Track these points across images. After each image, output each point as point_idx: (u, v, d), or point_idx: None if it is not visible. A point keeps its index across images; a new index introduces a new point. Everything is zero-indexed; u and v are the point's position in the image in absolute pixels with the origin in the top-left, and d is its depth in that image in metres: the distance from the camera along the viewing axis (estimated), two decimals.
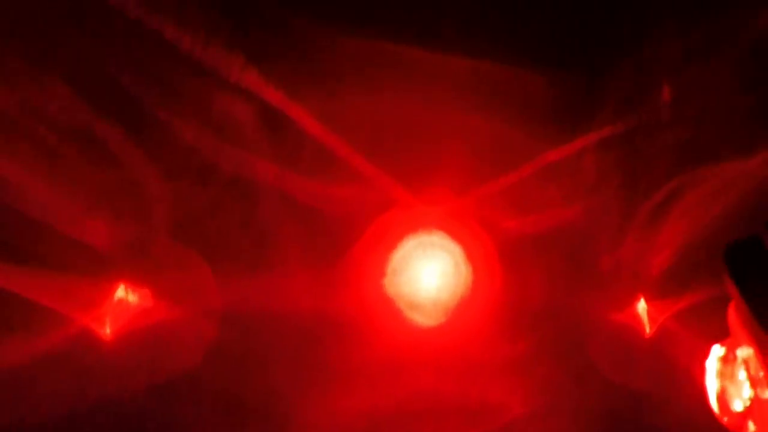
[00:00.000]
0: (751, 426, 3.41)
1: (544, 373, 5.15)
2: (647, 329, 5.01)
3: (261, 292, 4.88)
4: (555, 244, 5.29)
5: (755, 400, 3.34)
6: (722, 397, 3.54)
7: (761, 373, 3.22)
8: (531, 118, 5.08)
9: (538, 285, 5.32)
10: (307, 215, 4.95)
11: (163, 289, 4.76)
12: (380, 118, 4.95)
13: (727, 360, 3.50)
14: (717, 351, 3.56)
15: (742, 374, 3.39)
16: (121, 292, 4.67)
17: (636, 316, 5.02)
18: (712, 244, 4.74)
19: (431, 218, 5.16)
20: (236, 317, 4.85)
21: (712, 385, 3.55)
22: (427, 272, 5.18)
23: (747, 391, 3.38)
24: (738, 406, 3.46)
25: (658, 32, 4.95)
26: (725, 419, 3.52)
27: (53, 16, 4.58)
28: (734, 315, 3.25)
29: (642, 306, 5.03)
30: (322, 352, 4.95)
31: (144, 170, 4.69)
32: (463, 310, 5.21)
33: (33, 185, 4.50)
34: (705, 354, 3.77)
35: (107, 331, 4.65)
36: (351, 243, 5.05)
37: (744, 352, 3.37)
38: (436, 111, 5.02)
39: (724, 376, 3.51)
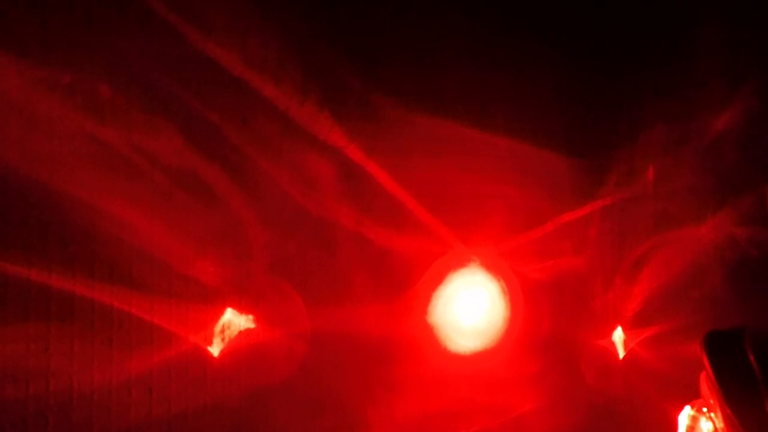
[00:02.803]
0: None
1: (550, 382, 4.19)
2: (621, 352, 4.33)
3: (340, 320, 3.58)
4: (563, 286, 4.28)
5: None
6: None
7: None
8: (553, 189, 4.25)
9: (549, 317, 4.26)
10: (379, 257, 3.64)
11: (262, 315, 3.44)
12: (440, 180, 3.68)
13: (695, 418, 2.93)
14: (688, 410, 2.97)
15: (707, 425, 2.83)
16: (227, 315, 3.34)
17: (614, 342, 4.31)
18: (672, 292, 4.37)
19: (474, 261, 3.90)
20: (320, 339, 3.53)
21: None
22: (470, 304, 3.92)
23: None
24: None
25: (646, 131, 4.38)
26: None
27: (168, 70, 3.29)
28: (706, 385, 2.67)
29: (619, 334, 4.31)
30: (387, 367, 3.64)
31: (244, 214, 3.39)
32: (494, 334, 3.96)
33: (151, 226, 3.20)
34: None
35: (215, 348, 3.32)
36: (413, 280, 3.73)
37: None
38: (483, 180, 3.79)
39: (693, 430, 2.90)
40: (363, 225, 3.45)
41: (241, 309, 3.32)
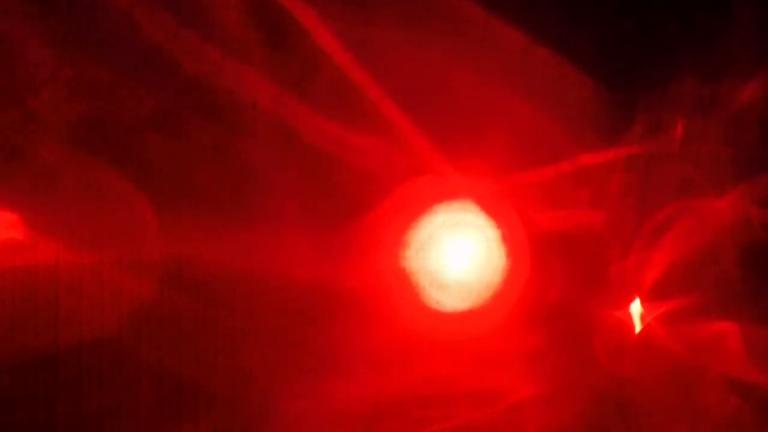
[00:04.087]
0: None
1: (552, 362, 1.69)
2: (637, 327, 2.00)
3: (247, 254, 1.02)
4: (577, 244, 1.81)
5: None
6: None
7: None
8: (573, 120, 1.68)
9: (556, 281, 1.72)
10: (314, 160, 1.08)
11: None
12: (421, 67, 1.14)
13: None
14: None
15: None
16: None
17: (630, 315, 1.96)
18: (691, 265, 1.99)
19: (466, 192, 1.21)
20: (203, 278, 0.97)
21: None
22: (456, 251, 1.24)
23: None
24: None
25: (678, 83, 1.97)
26: None
27: None
28: None
29: (637, 307, 1.97)
30: (322, 332, 1.04)
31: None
32: (485, 295, 1.32)
33: None
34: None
35: None
36: (369, 205, 1.09)
37: None
38: (484, 81, 1.19)
39: None
40: (289, 107, 0.98)
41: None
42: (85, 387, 0.99)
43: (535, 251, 1.83)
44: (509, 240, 1.62)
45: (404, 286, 1.39)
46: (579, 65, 2.11)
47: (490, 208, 1.61)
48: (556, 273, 1.97)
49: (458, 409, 1.51)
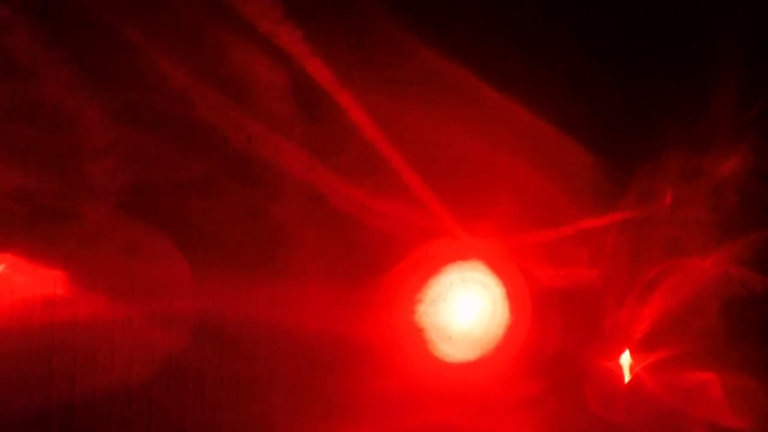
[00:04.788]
0: None
1: (549, 409, 1.81)
2: (627, 376, 2.14)
3: (266, 303, 1.10)
4: (574, 299, 1.96)
5: None
6: None
7: None
8: (575, 187, 1.92)
9: (556, 333, 1.88)
10: (338, 223, 1.17)
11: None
12: (439, 140, 1.25)
13: None
14: None
15: None
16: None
17: (621, 365, 2.11)
18: (677, 319, 2.11)
19: (475, 252, 1.31)
20: (229, 330, 1.03)
21: None
22: (464, 306, 1.32)
23: None
24: None
25: (669, 153, 2.16)
26: None
27: None
28: None
29: (626, 357, 2.13)
30: (337, 379, 1.10)
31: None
32: (491, 347, 1.39)
33: None
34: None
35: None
36: (386, 264, 1.18)
37: None
38: (495, 152, 1.33)
39: None
40: (321, 175, 1.08)
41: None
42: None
43: (536, 306, 1.94)
44: (513, 296, 1.74)
45: (416, 339, 1.48)
46: (579, 138, 2.27)
47: (497, 267, 1.74)
48: (554, 326, 2.08)
49: None
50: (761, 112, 2.93)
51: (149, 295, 1.11)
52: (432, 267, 1.52)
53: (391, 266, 1.43)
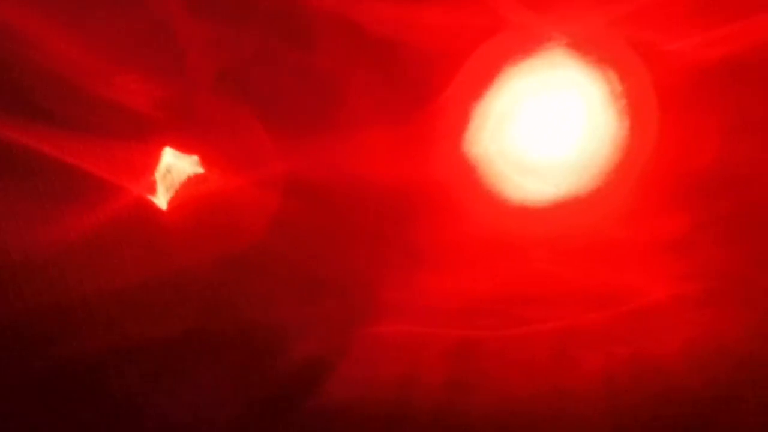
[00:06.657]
0: None
1: (705, 256, 1.05)
2: None
3: (327, 157, 1.06)
4: (742, 74, 0.97)
5: None
6: None
7: None
8: None
9: (710, 138, 1.04)
10: (381, 53, 0.99)
11: (211, 153, 1.13)
12: None
13: None
14: None
15: None
16: (168, 158, 1.17)
17: None
18: None
19: (553, 45, 0.90)
20: (301, 186, 1.05)
21: None
22: (549, 122, 0.92)
23: None
24: None
25: None
26: None
27: None
28: None
29: None
30: (407, 227, 1.02)
31: (170, 7, 1.08)
32: (597, 175, 1.00)
33: (51, 34, 1.06)
34: None
35: (162, 200, 1.18)
36: (440, 85, 0.95)
37: None
38: None
39: None
40: (352, 4, 0.92)
41: (183, 146, 1.12)
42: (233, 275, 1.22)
43: (667, 101, 1.28)
44: (621, 93, 1.14)
45: (486, 172, 1.17)
46: None
47: (589, 57, 1.12)
48: (705, 128, 1.36)
49: (563, 311, 1.22)
50: None
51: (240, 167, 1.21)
52: (492, 76, 1.07)
53: (442, 87, 1.09)
